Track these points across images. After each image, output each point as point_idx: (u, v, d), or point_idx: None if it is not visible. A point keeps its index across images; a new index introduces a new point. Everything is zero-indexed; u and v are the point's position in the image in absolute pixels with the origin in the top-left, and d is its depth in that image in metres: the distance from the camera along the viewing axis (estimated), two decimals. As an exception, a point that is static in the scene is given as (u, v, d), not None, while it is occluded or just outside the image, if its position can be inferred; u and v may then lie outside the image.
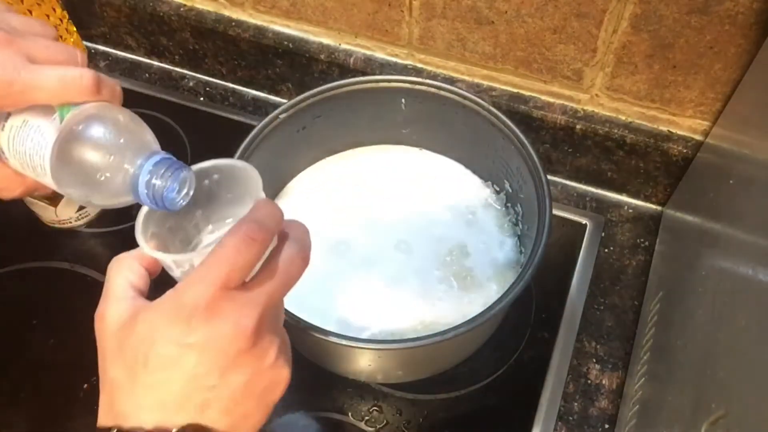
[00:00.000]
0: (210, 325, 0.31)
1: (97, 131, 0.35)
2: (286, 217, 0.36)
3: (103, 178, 0.35)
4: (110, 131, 0.35)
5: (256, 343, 0.33)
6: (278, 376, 0.34)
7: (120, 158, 0.35)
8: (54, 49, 0.36)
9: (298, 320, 0.48)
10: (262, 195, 0.37)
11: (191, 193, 0.37)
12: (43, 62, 0.35)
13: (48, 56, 0.35)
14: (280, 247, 0.35)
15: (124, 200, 0.37)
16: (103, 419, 0.33)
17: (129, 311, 0.34)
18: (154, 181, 0.35)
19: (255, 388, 0.33)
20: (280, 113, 0.59)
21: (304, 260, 0.35)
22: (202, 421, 0.32)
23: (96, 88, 0.35)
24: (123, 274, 0.36)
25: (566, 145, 0.70)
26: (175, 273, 0.36)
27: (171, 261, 0.35)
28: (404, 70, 0.72)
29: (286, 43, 0.74)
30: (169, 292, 0.32)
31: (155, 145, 0.37)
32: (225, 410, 0.33)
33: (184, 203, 0.36)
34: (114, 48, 0.86)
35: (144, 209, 0.37)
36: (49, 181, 0.37)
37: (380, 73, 0.70)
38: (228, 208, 0.40)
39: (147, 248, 0.36)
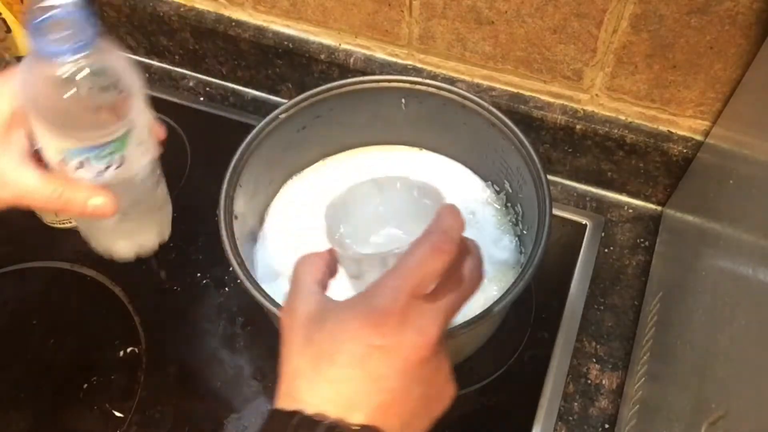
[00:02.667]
0: (399, 331, 0.33)
1: None
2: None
3: None
4: None
5: (436, 355, 0.34)
6: (448, 390, 0.36)
7: None
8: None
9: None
10: (445, 200, 0.39)
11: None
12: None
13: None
14: (461, 259, 0.36)
15: None
16: (283, 404, 0.34)
17: (318, 307, 0.35)
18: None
19: (428, 398, 0.35)
20: (280, 113, 0.59)
21: (482, 274, 0.37)
22: (378, 422, 0.33)
23: None
24: (310, 272, 0.38)
25: (566, 145, 0.70)
26: (352, 270, 0.40)
27: (358, 258, 0.39)
28: (404, 70, 0.72)
29: (286, 43, 0.74)
30: (361, 294, 0.34)
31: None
32: (399, 416, 0.34)
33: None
34: (114, 48, 0.86)
35: (323, 211, 0.42)
36: None
37: (380, 73, 0.70)
38: (406, 212, 0.43)
39: (338, 247, 0.39)
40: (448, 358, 0.36)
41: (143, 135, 0.43)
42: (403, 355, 0.33)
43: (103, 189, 0.42)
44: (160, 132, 0.47)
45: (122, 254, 0.52)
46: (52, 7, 0.36)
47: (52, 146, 0.39)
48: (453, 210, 0.36)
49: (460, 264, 0.36)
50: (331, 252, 0.40)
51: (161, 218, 0.54)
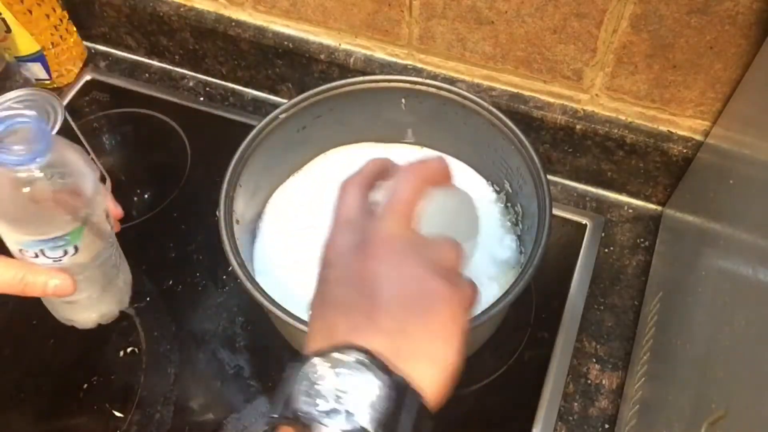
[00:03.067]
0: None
1: None
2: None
3: None
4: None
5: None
6: (470, 289, 0.37)
7: None
8: None
9: (298, 319, 0.48)
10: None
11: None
12: None
13: None
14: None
15: None
16: (351, 336, 0.31)
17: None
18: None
19: (461, 303, 0.35)
20: (280, 113, 0.59)
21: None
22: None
23: None
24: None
25: (566, 145, 0.70)
26: None
27: None
28: (404, 70, 0.72)
29: (286, 43, 0.74)
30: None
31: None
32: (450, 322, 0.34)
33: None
34: (114, 48, 0.86)
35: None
36: None
37: (380, 73, 0.70)
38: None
39: None
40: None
41: (100, 223, 0.46)
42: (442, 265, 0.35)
43: (61, 271, 0.45)
44: (118, 212, 0.50)
45: (84, 324, 0.55)
46: (8, 117, 0.39)
47: (10, 239, 0.43)
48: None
49: None
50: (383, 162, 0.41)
51: (121, 288, 0.56)
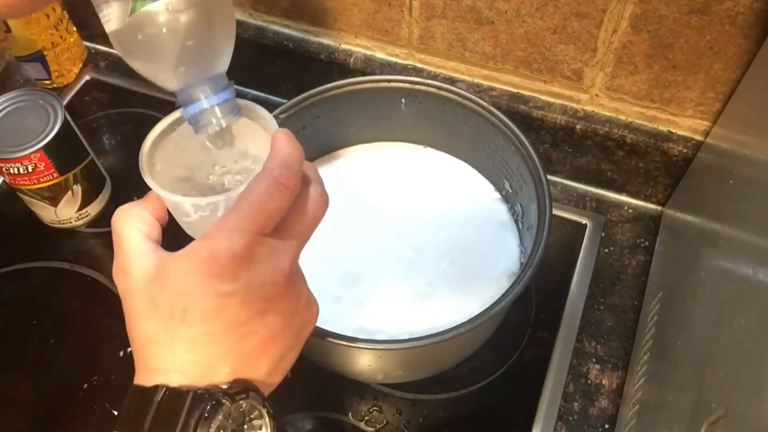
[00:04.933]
0: (249, 272, 0.31)
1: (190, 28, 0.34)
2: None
3: (165, 73, 0.35)
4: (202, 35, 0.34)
5: (292, 285, 0.33)
6: (311, 312, 0.35)
7: (192, 71, 0.35)
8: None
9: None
10: (276, 127, 0.36)
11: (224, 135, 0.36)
12: None
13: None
14: (305, 189, 0.35)
15: (167, 86, 0.36)
16: (142, 378, 0.32)
17: (154, 264, 0.33)
18: (210, 116, 0.35)
19: (292, 328, 0.33)
20: (280, 113, 0.59)
21: (326, 200, 0.35)
22: (246, 371, 0.32)
23: None
24: (135, 226, 0.35)
25: (566, 145, 0.70)
26: (191, 218, 0.35)
27: (191, 205, 0.34)
28: (404, 70, 0.72)
29: (286, 43, 0.74)
30: (200, 242, 0.32)
31: (224, 80, 0.36)
32: (268, 355, 0.32)
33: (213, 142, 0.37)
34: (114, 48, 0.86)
35: (145, 148, 0.37)
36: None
37: (380, 73, 0.70)
38: (236, 146, 0.38)
39: (164, 192, 0.35)
40: (304, 281, 0.34)
41: None
42: (259, 295, 0.31)
43: None
44: None
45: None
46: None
47: None
48: (289, 138, 0.34)
49: (304, 192, 0.34)
50: (155, 198, 0.36)
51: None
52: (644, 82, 0.62)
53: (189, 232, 0.38)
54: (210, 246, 0.31)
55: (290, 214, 0.33)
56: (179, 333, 0.31)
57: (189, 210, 0.35)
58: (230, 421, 0.30)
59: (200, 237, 0.32)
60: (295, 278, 0.33)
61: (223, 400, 0.30)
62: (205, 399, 0.30)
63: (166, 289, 0.31)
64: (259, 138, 0.38)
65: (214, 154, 0.39)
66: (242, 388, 0.31)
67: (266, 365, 0.32)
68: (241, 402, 0.31)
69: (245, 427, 0.32)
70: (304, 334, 0.35)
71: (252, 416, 0.32)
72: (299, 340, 0.35)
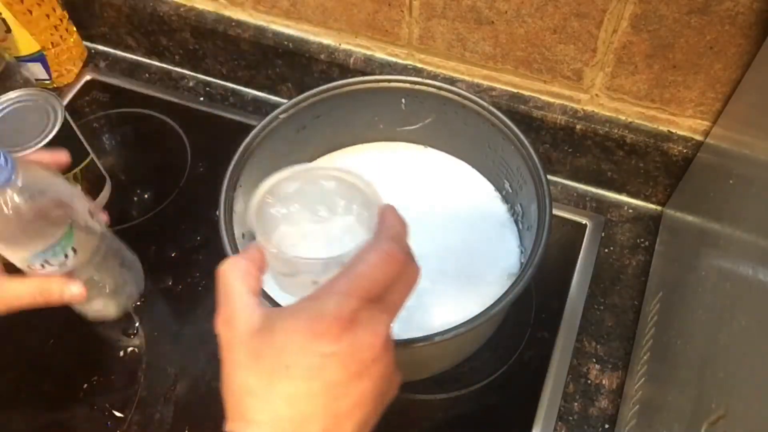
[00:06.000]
0: (352, 335, 0.32)
1: None
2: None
3: None
4: None
5: (386, 352, 0.34)
6: (396, 381, 0.37)
7: None
8: None
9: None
10: (382, 201, 0.39)
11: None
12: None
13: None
14: (406, 262, 0.36)
15: None
16: (235, 427, 0.33)
17: (260, 318, 0.34)
18: None
19: (380, 394, 0.35)
20: (280, 113, 0.59)
21: (418, 271, 0.37)
22: (334, 430, 0.32)
23: None
24: (243, 279, 0.36)
25: (566, 145, 0.70)
26: (286, 270, 0.38)
27: (303, 263, 0.37)
28: (404, 70, 0.72)
29: (286, 43, 0.74)
30: (308, 302, 0.33)
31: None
32: (354, 417, 0.33)
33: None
34: (114, 48, 0.86)
35: (256, 212, 0.41)
36: None
37: (380, 73, 0.70)
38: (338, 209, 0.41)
39: (284, 253, 0.37)
40: (393, 350, 0.35)
41: (86, 221, 0.50)
42: (357, 359, 0.32)
43: (70, 278, 0.49)
44: (104, 216, 0.53)
45: (110, 314, 0.59)
46: None
47: (16, 258, 0.47)
48: (395, 214, 0.37)
49: (405, 265, 0.36)
50: (260, 251, 0.38)
51: (135, 273, 0.59)
52: (644, 82, 0.62)
53: (279, 285, 0.41)
54: (319, 307, 0.33)
55: (391, 283, 0.35)
56: (279, 388, 0.32)
57: (287, 266, 0.38)
58: None
59: (304, 296, 0.34)
60: (389, 345, 0.34)
61: None
62: None
63: (271, 343, 0.33)
64: (356, 197, 0.41)
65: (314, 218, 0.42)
66: None
67: (351, 428, 0.33)
68: None
69: None
70: (386, 402, 0.36)
71: None
72: (382, 407, 0.36)
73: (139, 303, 0.65)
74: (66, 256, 0.48)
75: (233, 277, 0.37)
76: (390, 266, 0.34)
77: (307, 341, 0.32)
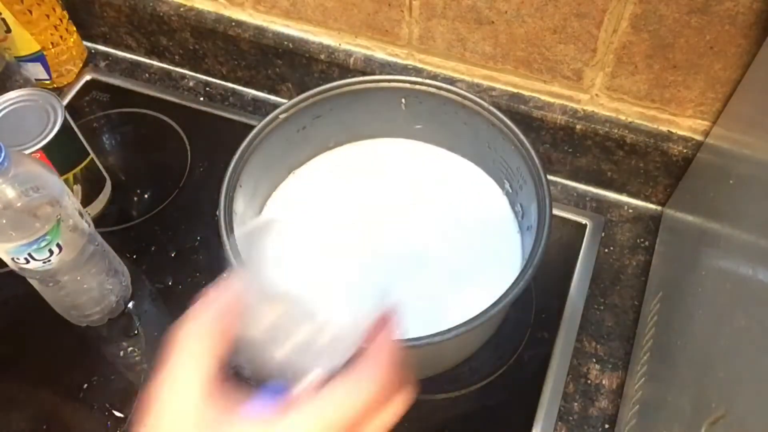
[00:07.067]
0: None
1: None
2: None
3: None
4: None
5: None
6: None
7: None
8: None
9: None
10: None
11: None
12: None
13: None
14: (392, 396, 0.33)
15: None
16: None
17: (204, 414, 0.31)
18: None
19: None
20: (280, 113, 0.59)
21: (410, 400, 0.34)
22: None
23: None
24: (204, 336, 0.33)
25: (566, 145, 0.70)
26: (281, 363, 0.35)
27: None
28: (404, 70, 0.72)
29: (286, 43, 0.74)
30: (274, 422, 0.30)
31: None
32: None
33: None
34: (114, 48, 0.86)
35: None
36: None
37: (380, 73, 0.70)
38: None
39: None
40: None
41: (74, 219, 0.50)
42: None
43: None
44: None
45: (94, 321, 0.60)
46: None
47: (0, 249, 0.48)
48: (391, 350, 0.33)
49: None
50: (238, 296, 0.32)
51: (120, 281, 0.60)
52: (644, 82, 0.62)
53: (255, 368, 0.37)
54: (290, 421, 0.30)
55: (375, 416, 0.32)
56: None
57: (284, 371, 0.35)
58: None
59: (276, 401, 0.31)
60: None
61: None
62: None
63: None
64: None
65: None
66: None
67: None
68: None
69: None
70: None
71: None
72: None
73: (138, 302, 0.65)
74: (51, 252, 0.48)
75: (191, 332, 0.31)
76: (369, 409, 0.31)
77: None
